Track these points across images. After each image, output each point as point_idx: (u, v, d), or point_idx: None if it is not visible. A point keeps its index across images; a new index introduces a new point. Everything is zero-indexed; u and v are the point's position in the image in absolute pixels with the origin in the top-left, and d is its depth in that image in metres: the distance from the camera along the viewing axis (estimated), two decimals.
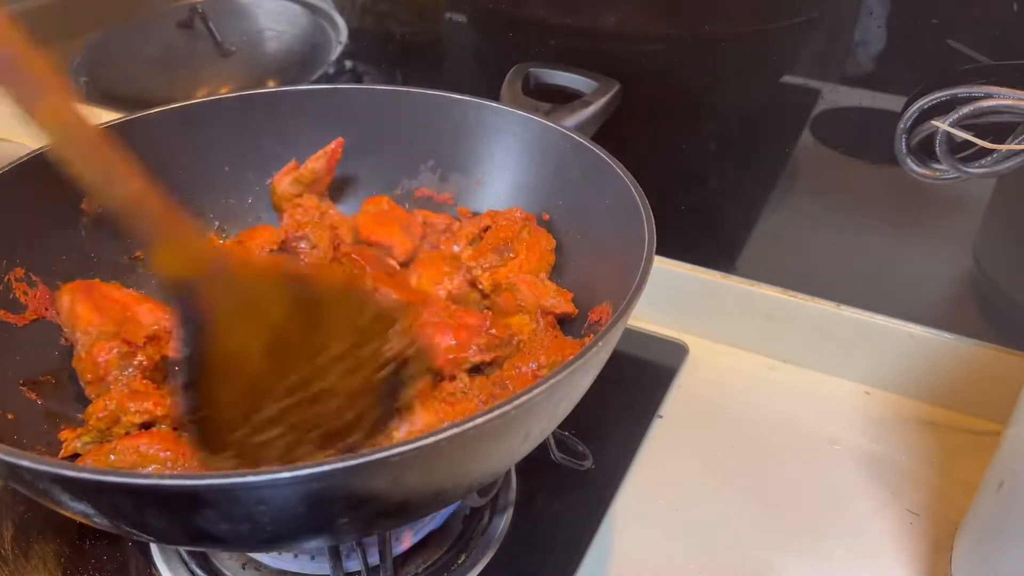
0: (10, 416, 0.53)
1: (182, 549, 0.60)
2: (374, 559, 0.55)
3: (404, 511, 0.44)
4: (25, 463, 0.36)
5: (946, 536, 0.64)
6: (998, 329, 0.75)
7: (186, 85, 1.07)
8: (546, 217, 0.70)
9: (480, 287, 0.67)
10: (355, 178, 0.76)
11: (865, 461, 0.72)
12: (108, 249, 0.66)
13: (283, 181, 0.72)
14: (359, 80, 0.98)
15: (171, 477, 0.38)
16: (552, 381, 0.40)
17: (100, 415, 0.54)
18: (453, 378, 0.58)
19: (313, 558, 0.58)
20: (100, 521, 0.40)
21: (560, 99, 0.71)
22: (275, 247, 0.68)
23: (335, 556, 0.53)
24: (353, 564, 0.55)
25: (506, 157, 0.71)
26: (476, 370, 0.60)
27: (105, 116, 0.68)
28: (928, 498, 0.68)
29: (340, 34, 0.96)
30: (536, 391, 0.40)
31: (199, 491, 0.35)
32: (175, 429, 0.56)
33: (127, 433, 0.55)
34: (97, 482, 0.36)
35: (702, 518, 0.66)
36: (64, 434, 0.54)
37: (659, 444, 0.73)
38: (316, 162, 0.71)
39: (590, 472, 0.69)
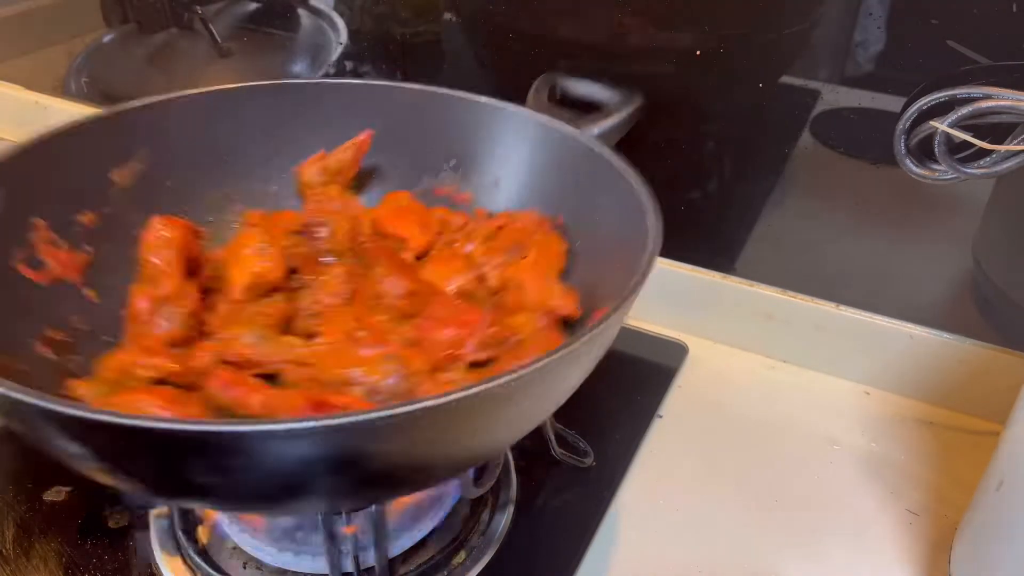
0: (23, 368, 0.52)
1: (184, 549, 0.60)
2: (368, 561, 0.55)
3: (389, 481, 0.45)
4: (20, 396, 0.37)
5: (945, 536, 0.64)
6: (998, 329, 0.75)
7: (186, 86, 1.07)
8: (560, 220, 0.70)
9: (488, 284, 0.67)
10: (378, 172, 0.76)
11: (865, 461, 0.72)
12: (134, 218, 0.66)
13: (309, 169, 0.72)
14: None
15: (157, 420, 0.38)
16: (541, 363, 0.41)
17: (112, 366, 0.54)
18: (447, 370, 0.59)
19: (314, 557, 0.59)
20: (89, 465, 0.41)
21: (585, 111, 0.72)
22: (295, 230, 0.68)
23: (332, 553, 0.53)
24: (349, 564, 0.55)
25: (525, 160, 0.71)
26: (472, 365, 0.60)
27: None
28: (928, 498, 0.68)
29: (340, 35, 0.96)
30: (523, 371, 0.40)
31: (184, 434, 0.36)
32: (184, 388, 0.56)
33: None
34: (88, 420, 0.37)
35: (702, 518, 0.66)
36: (72, 382, 0.54)
37: (659, 444, 0.73)
38: (344, 153, 0.71)
39: (590, 470, 0.69)
